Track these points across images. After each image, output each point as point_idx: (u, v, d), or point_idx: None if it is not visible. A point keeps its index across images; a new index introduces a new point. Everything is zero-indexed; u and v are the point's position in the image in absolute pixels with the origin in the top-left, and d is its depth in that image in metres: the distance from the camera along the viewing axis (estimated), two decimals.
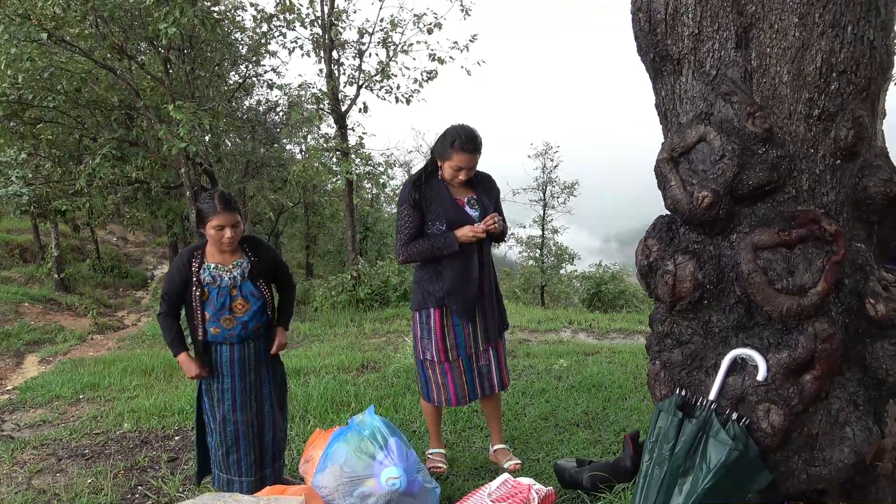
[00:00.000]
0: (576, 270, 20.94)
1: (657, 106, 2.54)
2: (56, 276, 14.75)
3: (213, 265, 3.08)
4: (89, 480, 3.88)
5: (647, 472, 2.18)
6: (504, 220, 3.49)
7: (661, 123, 2.56)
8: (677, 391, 2.30)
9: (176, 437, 4.56)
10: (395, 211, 22.62)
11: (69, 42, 9.87)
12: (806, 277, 2.09)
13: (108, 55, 10.51)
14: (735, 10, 2.23)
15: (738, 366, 2.20)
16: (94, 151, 11.97)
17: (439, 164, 3.37)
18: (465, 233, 3.30)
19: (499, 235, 3.47)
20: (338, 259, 20.75)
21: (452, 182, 3.37)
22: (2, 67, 9.09)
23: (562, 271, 20.50)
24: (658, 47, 2.39)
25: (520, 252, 21.45)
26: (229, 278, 3.09)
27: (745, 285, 2.17)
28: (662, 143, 2.41)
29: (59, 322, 11.51)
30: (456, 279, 3.38)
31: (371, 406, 3.20)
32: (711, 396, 2.19)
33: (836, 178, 2.26)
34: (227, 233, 2.99)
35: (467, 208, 3.40)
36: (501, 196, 3.67)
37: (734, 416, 2.14)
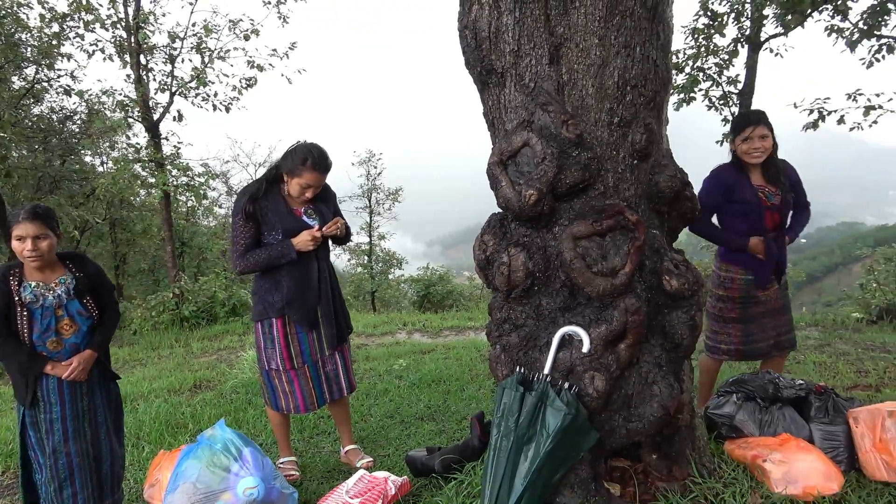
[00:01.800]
0: (403, 274, 21.39)
1: (485, 115, 2.80)
2: None
3: (33, 283, 2.85)
4: None
5: (496, 444, 2.41)
6: (346, 222, 3.58)
7: (489, 130, 2.82)
8: (517, 369, 2.56)
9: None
10: (213, 224, 21.39)
11: None
12: (616, 261, 2.45)
13: None
14: (547, 31, 2.54)
15: (567, 342, 2.50)
16: None
17: (286, 179, 3.38)
18: (302, 239, 3.34)
19: (343, 238, 3.56)
20: (151, 278, 19.35)
21: (298, 198, 3.40)
22: None
23: (390, 276, 20.83)
24: (484, 62, 2.65)
25: (348, 260, 21.47)
26: (53, 297, 2.88)
27: (567, 271, 2.48)
28: (492, 148, 2.67)
29: None
30: (294, 288, 3.40)
31: (221, 419, 3.13)
32: (546, 370, 2.47)
33: (634, 175, 2.65)
34: (28, 244, 2.79)
35: (305, 218, 3.44)
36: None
37: (566, 385, 2.44)
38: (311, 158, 3.30)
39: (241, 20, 10.17)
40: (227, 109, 10.57)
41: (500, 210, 2.68)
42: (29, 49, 11.44)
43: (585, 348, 2.43)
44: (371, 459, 3.70)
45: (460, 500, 2.84)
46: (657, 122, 2.66)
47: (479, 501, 2.57)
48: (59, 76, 12.39)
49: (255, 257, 3.34)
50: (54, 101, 14.41)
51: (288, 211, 3.39)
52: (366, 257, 20.60)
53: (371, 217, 20.73)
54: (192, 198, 11.14)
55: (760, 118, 3.50)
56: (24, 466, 3.03)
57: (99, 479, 3.05)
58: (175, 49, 10.07)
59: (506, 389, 2.47)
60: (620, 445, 2.60)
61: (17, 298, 2.82)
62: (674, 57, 11.26)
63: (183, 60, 10.28)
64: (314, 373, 3.51)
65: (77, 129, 14.67)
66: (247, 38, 10.20)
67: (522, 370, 2.57)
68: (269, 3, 10.27)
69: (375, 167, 20.54)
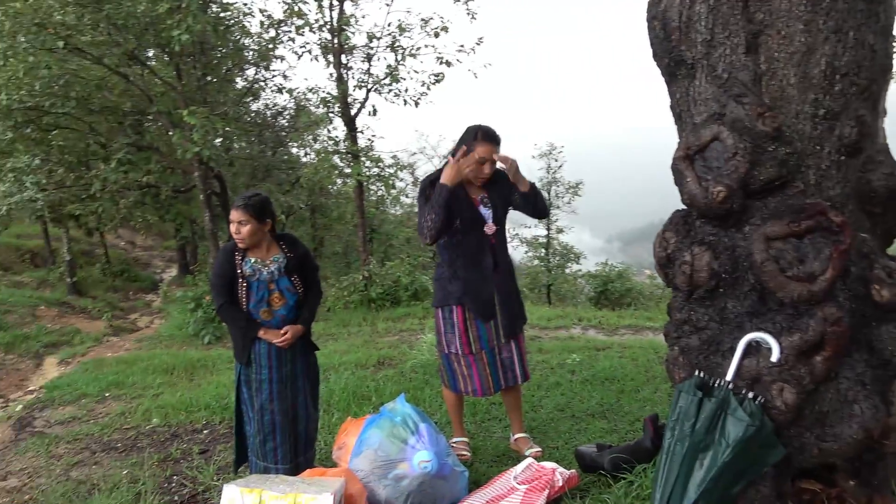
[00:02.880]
0: (580, 269, 21.10)
1: (672, 107, 2.71)
2: (68, 280, 14.93)
3: (253, 259, 3.27)
4: (125, 471, 4.05)
5: (670, 448, 2.34)
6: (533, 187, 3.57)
7: (675, 124, 2.72)
8: (696, 373, 2.46)
9: (205, 431, 4.72)
10: (399, 213, 22.59)
11: (82, 50, 10.05)
12: (815, 265, 2.26)
13: (118, 62, 10.70)
14: (745, 18, 2.39)
15: (753, 349, 2.36)
16: (107, 156, 12.17)
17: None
18: (447, 173, 3.36)
19: (531, 199, 3.54)
20: (344, 261, 20.92)
21: (477, 176, 3.50)
22: (20, 76, 9.29)
23: (567, 270, 20.64)
24: (673, 53, 2.56)
25: (525, 252, 21.61)
26: (267, 272, 3.28)
27: (758, 273, 2.33)
28: (678, 142, 2.58)
29: (74, 325, 11.69)
30: (470, 282, 3.52)
31: (402, 394, 3.36)
32: (728, 377, 2.35)
33: (840, 172, 2.42)
34: (233, 228, 3.22)
35: (481, 207, 3.56)
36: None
37: (750, 395, 2.30)
38: (480, 132, 3.43)
39: (431, 18, 10.62)
40: (416, 104, 11.10)
41: (685, 206, 2.58)
42: (250, 53, 12.90)
43: (775, 357, 2.27)
44: (540, 449, 3.75)
45: (629, 501, 2.79)
46: (871, 113, 2.40)
47: None
48: (273, 76, 13.84)
49: (426, 215, 3.42)
50: (268, 99, 16.15)
51: (466, 199, 3.52)
52: (543, 250, 20.60)
53: (549, 210, 20.66)
54: (382, 187, 11.86)
55: None
56: (238, 418, 3.50)
57: (295, 437, 3.42)
58: (372, 48, 10.79)
59: (682, 393, 2.39)
60: (810, 466, 2.40)
61: (239, 271, 3.26)
62: None
63: (378, 59, 10.98)
64: (491, 359, 3.61)
65: (286, 124, 16.29)
66: (437, 35, 10.62)
67: (702, 374, 2.46)
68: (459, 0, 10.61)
69: (556, 160, 20.40)
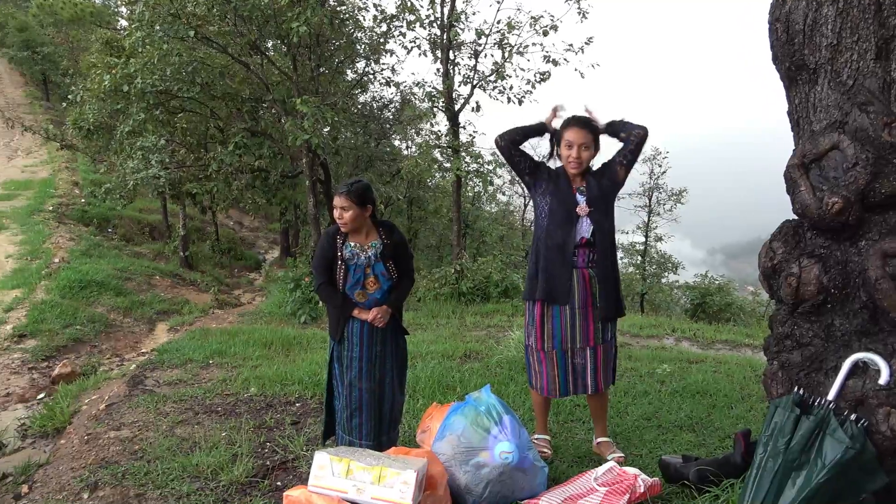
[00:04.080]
0: (677, 280, 20.38)
1: (789, 113, 2.60)
2: (181, 253, 15.99)
3: (352, 244, 3.42)
4: (224, 434, 4.33)
5: (761, 464, 2.27)
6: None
7: (792, 130, 2.62)
8: (795, 390, 2.37)
9: (297, 404, 4.96)
10: (494, 210, 22.62)
11: (210, 39, 10.73)
12: None
13: (241, 51, 11.35)
14: (877, 22, 2.27)
15: (860, 369, 2.24)
16: (224, 140, 12.96)
17: (559, 151, 3.62)
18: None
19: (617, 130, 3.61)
20: (437, 254, 21.21)
21: (568, 162, 3.54)
22: (155, 62, 10.06)
23: (663, 280, 20.00)
24: (794, 56, 2.46)
25: (621, 258, 21.11)
26: (364, 257, 3.42)
27: (871, 291, 2.21)
28: (794, 149, 2.48)
29: (184, 295, 12.51)
30: (548, 286, 3.55)
31: (487, 385, 3.41)
32: (830, 396, 2.25)
33: None
34: (336, 212, 3.38)
35: (577, 195, 3.55)
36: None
37: (852, 416, 2.19)
38: (571, 118, 3.55)
39: (541, 16, 10.59)
40: (520, 102, 11.11)
41: (796, 217, 2.48)
42: (362, 46, 13.32)
43: (883, 380, 2.15)
44: (623, 455, 3.70)
45: None
46: None
47: None
48: (382, 69, 14.22)
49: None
50: (376, 91, 16.63)
51: (567, 184, 3.56)
52: (639, 257, 20.05)
53: (649, 217, 20.06)
54: (480, 184, 11.96)
55: None
56: (329, 393, 3.68)
57: (380, 416, 3.56)
58: (479, 45, 10.89)
59: (778, 408, 2.30)
60: None
61: (339, 254, 3.42)
62: None
63: (485, 55, 11.08)
64: (562, 361, 3.58)
65: (391, 116, 16.70)
66: (545, 33, 10.57)
67: (801, 391, 2.36)
68: None
69: (660, 165, 19.78)
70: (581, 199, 3.53)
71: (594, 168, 3.65)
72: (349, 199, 3.36)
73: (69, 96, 14.18)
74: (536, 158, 3.75)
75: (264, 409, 4.85)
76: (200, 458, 3.86)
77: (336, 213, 3.41)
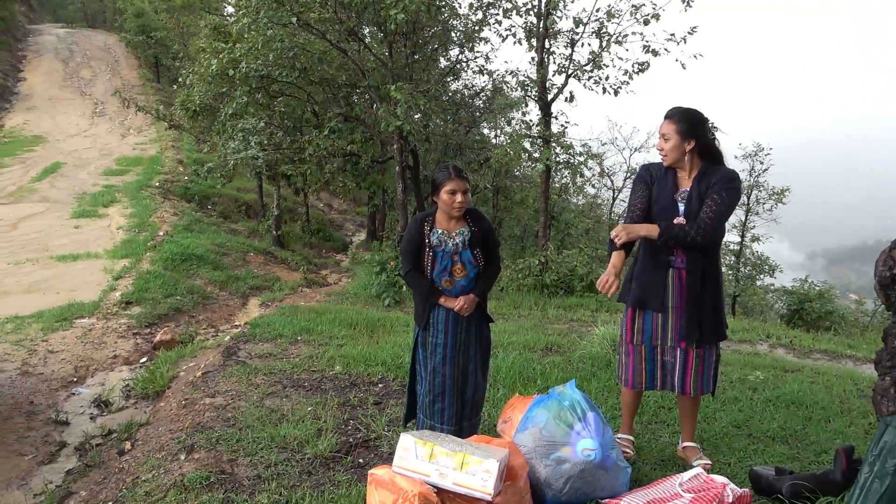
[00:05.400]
0: (773, 283, 19.37)
1: None
2: (274, 232, 16.61)
3: (440, 231, 3.44)
4: (310, 408, 4.49)
5: (865, 485, 2.13)
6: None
7: None
8: None
9: (379, 385, 5.08)
10: (581, 202, 22.24)
11: (311, 25, 11.03)
12: None
13: (339, 37, 11.62)
14: None
15: None
16: (318, 124, 13.33)
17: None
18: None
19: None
20: (520, 244, 21.05)
21: (662, 154, 3.45)
22: (259, 47, 10.46)
23: (758, 282, 19.05)
24: None
25: None
26: (452, 244, 3.44)
27: None
28: None
29: (275, 273, 13.01)
30: (641, 291, 3.48)
31: (572, 380, 3.37)
32: None
33: None
34: (458, 197, 3.34)
35: (679, 201, 3.42)
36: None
37: None
38: (668, 111, 3.40)
39: (643, 4, 10.22)
40: (616, 93, 10.79)
41: None
42: (457, 34, 13.33)
43: None
44: (710, 462, 3.57)
45: None
46: None
47: None
48: (475, 57, 14.18)
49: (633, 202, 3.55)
50: (468, 79, 16.61)
51: (672, 188, 3.44)
52: (733, 258, 19.17)
53: (746, 216, 19.12)
54: (568, 175, 11.75)
55: None
56: (412, 377, 3.73)
57: (462, 401, 3.58)
58: (577, 34, 10.64)
59: (890, 427, 2.15)
60: None
61: (427, 241, 3.44)
62: None
63: (582, 44, 10.80)
64: (650, 355, 3.51)
65: (481, 105, 16.65)
66: (646, 22, 10.19)
67: None
68: None
69: (762, 162, 18.76)
70: (680, 205, 3.41)
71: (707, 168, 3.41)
72: (467, 181, 3.39)
73: (178, 79, 14.99)
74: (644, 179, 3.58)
75: (348, 388, 4.98)
76: (288, 431, 4.02)
77: (457, 199, 3.34)
